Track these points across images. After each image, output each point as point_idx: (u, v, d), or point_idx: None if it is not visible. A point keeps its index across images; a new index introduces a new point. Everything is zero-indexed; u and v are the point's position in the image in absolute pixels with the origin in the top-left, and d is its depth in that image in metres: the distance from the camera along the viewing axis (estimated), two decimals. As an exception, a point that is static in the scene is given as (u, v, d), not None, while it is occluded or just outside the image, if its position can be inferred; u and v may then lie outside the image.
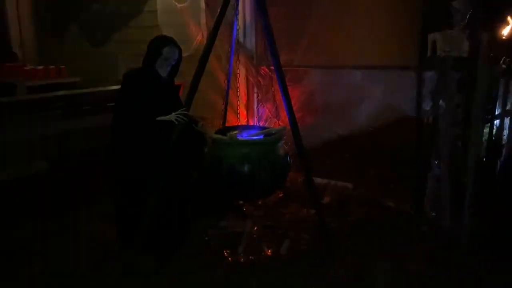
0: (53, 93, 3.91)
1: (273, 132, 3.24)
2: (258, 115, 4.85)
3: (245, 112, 4.88)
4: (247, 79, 4.74)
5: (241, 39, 4.81)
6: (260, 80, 4.66)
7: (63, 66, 5.72)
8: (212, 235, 3.58)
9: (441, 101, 3.46)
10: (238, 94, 4.23)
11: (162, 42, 2.99)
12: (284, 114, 4.59)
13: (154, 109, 3.02)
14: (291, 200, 4.30)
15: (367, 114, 4.03)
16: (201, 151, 3.22)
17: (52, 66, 5.85)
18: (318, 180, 4.32)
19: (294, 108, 4.49)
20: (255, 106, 4.86)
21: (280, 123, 3.45)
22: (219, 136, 3.28)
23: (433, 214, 3.85)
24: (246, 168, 3.10)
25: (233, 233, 3.60)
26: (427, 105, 3.57)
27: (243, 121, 4.90)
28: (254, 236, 3.57)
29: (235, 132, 3.36)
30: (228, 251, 3.36)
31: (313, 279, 3.10)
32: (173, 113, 2.96)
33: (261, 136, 3.35)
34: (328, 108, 4.16)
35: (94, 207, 4.02)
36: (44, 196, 3.98)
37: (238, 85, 4.84)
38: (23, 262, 3.28)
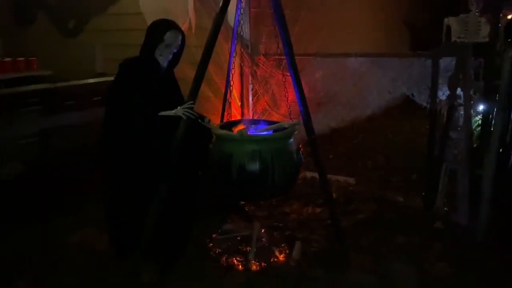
0: (30, 86, 3.44)
1: (286, 126, 2.94)
2: (254, 108, 4.54)
3: (239, 105, 4.57)
4: (241, 69, 4.42)
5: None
6: (256, 70, 4.35)
7: (34, 58, 5.21)
8: (216, 240, 3.27)
9: (459, 90, 3.26)
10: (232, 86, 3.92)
11: (163, 26, 2.64)
12: (284, 107, 4.35)
13: (155, 103, 2.68)
14: (293, 198, 4.05)
15: (368, 104, 3.80)
16: (208, 149, 2.89)
17: (21, 58, 5.32)
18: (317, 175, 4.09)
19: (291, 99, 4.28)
20: (250, 98, 4.54)
21: (291, 118, 3.15)
22: (228, 132, 2.97)
23: (446, 209, 3.69)
24: (258, 166, 2.80)
25: (240, 237, 3.31)
26: (443, 95, 3.37)
27: (237, 114, 4.60)
28: (263, 239, 3.29)
29: (244, 127, 3.05)
30: (237, 258, 3.06)
31: (332, 286, 2.85)
32: (179, 107, 2.63)
33: (271, 132, 3.05)
34: (331, 99, 3.90)
35: (81, 214, 3.63)
36: (21, 203, 3.55)
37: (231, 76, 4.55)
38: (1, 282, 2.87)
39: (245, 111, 4.59)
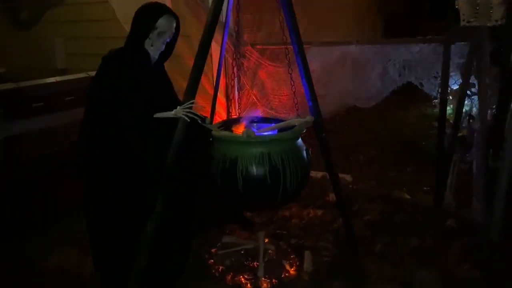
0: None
1: (296, 124, 2.58)
2: (240, 102, 4.15)
3: (223, 100, 4.17)
4: (225, 61, 4.01)
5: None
6: (243, 62, 3.95)
7: (-17, 54, 4.60)
8: (217, 256, 2.89)
9: (472, 78, 3.01)
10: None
11: (156, 11, 2.21)
12: (277, 102, 4.00)
13: (148, 103, 2.27)
14: (290, 200, 3.72)
15: (372, 96, 3.51)
16: (209, 154, 2.49)
17: (-32, 54, 4.68)
18: (312, 173, 3.77)
19: (286, 94, 3.92)
20: (236, 93, 4.15)
21: (299, 115, 2.78)
22: (232, 133, 2.58)
23: (455, 206, 3.47)
24: (268, 171, 2.44)
25: (243, 250, 2.94)
26: (454, 84, 3.12)
27: (221, 110, 4.20)
28: (270, 251, 2.93)
29: (246, 127, 2.68)
30: (245, 276, 2.70)
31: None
32: (178, 107, 2.22)
33: (275, 131, 2.69)
34: (329, 91, 3.57)
35: (56, 231, 3.15)
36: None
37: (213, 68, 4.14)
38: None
39: (232, 106, 4.20)
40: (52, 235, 3.09)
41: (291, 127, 2.64)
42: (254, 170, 2.46)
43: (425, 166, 4.45)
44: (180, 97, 2.42)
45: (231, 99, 4.17)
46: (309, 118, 2.56)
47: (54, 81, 2.94)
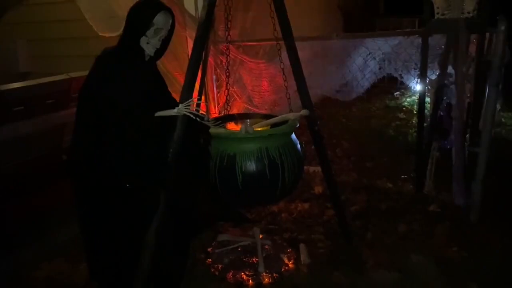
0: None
1: (291, 118, 2.59)
2: (218, 100, 4.12)
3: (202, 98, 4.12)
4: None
5: (190, 11, 4.02)
6: (222, 59, 3.92)
7: None
8: (215, 255, 2.86)
9: (449, 68, 3.15)
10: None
11: (152, 7, 2.14)
12: (257, 98, 4.00)
13: (145, 100, 2.20)
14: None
15: (351, 90, 3.59)
16: (208, 152, 2.46)
17: None
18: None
19: (267, 90, 3.93)
20: (215, 90, 4.12)
21: (291, 110, 2.79)
22: (229, 130, 2.56)
23: (435, 192, 3.62)
24: (267, 166, 2.44)
25: (240, 247, 2.92)
26: (432, 74, 3.25)
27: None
28: (266, 247, 2.94)
29: (246, 122, 2.66)
30: (246, 272, 2.69)
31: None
32: (180, 105, 2.17)
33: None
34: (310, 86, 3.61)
35: (41, 241, 2.99)
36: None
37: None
38: None
39: (210, 104, 4.16)
40: (37, 245, 2.94)
41: (284, 122, 2.66)
42: (253, 165, 2.45)
43: (398, 156, 4.63)
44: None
45: (209, 97, 4.15)
46: (304, 111, 2.59)
47: (35, 83, 2.78)
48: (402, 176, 4.07)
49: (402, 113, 6.62)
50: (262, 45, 3.78)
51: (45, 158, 2.94)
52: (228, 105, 2.61)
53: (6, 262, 2.71)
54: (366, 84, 3.41)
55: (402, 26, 7.75)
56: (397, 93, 7.85)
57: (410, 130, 5.64)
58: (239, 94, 3.97)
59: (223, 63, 3.98)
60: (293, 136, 2.68)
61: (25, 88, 2.70)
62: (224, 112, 3.04)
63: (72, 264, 2.77)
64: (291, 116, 2.60)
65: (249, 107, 3.92)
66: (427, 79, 3.29)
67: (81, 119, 2.24)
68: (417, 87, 7.35)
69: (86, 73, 2.23)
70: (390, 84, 7.32)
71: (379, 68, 3.31)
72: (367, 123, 6.11)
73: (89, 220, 2.36)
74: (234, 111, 4.06)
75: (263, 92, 3.87)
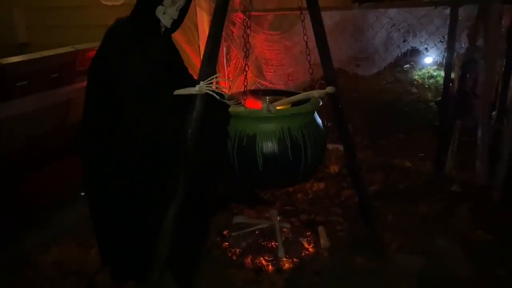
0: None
1: (316, 95, 2.42)
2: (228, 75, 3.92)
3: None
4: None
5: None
6: (233, 30, 3.70)
7: None
8: (232, 238, 2.74)
9: (480, 41, 2.96)
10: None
11: (168, -27, 1.95)
12: (272, 72, 3.80)
13: (160, 76, 2.04)
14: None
15: (373, 63, 3.40)
16: (226, 132, 2.30)
17: None
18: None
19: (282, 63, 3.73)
20: (225, 64, 3.91)
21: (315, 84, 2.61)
22: (249, 109, 2.39)
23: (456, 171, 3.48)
24: (289, 147, 2.30)
25: (257, 230, 2.80)
26: (460, 47, 3.05)
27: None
28: (284, 229, 2.82)
29: (267, 100, 2.49)
30: (265, 257, 2.57)
31: (383, 275, 2.47)
32: (201, 82, 2.00)
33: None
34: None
35: (49, 224, 2.86)
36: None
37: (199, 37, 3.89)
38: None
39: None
40: (46, 227, 2.81)
41: (307, 100, 2.49)
42: (274, 146, 2.31)
43: (414, 132, 4.48)
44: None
45: (219, 71, 3.94)
46: (329, 89, 2.40)
47: (39, 56, 2.58)
48: (420, 154, 3.93)
49: (413, 87, 6.42)
50: (277, 14, 3.55)
51: (50, 135, 2.77)
52: (246, 80, 2.42)
53: (12, 246, 2.58)
54: (389, 58, 3.21)
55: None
56: (407, 65, 7.63)
57: (423, 105, 5.47)
58: (251, 67, 3.77)
59: (234, 35, 3.78)
60: (316, 115, 2.53)
61: (28, 62, 2.51)
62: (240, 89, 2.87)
63: (84, 248, 2.64)
64: (315, 93, 2.43)
65: (261, 82, 3.73)
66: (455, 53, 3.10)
67: (92, 98, 2.08)
68: (426, 60, 7.27)
69: (92, 45, 2.07)
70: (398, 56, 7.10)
71: (404, 41, 3.10)
72: (378, 97, 5.93)
73: (99, 202, 2.24)
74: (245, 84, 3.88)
75: (277, 66, 3.67)
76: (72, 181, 2.68)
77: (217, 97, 2.01)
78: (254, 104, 2.54)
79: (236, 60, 3.81)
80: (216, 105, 2.14)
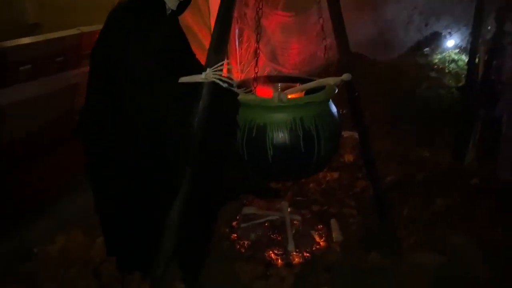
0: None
1: (331, 83, 2.28)
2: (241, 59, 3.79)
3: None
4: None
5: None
6: (246, 11, 3.55)
7: None
8: (241, 230, 2.65)
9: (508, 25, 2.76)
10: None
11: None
12: (285, 56, 3.66)
13: (166, 61, 1.93)
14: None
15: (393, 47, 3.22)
16: (235, 121, 2.18)
17: None
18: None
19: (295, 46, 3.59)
20: (237, 48, 3.78)
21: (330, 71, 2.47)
22: (260, 97, 2.27)
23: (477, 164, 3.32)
24: (301, 138, 2.17)
25: (267, 222, 2.71)
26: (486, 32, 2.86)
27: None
28: (295, 222, 2.72)
29: (279, 87, 2.36)
30: (274, 251, 2.48)
31: (399, 274, 2.36)
32: (208, 69, 1.88)
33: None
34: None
35: (54, 213, 2.82)
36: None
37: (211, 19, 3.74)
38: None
39: (232, 62, 3.83)
40: (51, 215, 2.76)
41: (321, 87, 2.35)
42: (286, 137, 2.18)
43: (434, 121, 4.29)
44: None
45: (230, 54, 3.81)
46: (345, 76, 2.26)
47: (42, 39, 2.48)
48: (439, 145, 3.76)
49: (433, 72, 6.17)
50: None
51: (55, 121, 2.70)
52: (257, 67, 2.29)
53: (17, 235, 2.54)
54: (409, 43, 3.04)
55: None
56: (427, 49, 7.34)
57: (443, 91, 5.25)
58: (263, 51, 3.63)
59: (247, 16, 3.63)
60: (331, 104, 2.39)
61: (31, 45, 2.41)
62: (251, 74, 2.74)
63: (89, 237, 2.59)
64: (330, 80, 2.28)
65: (274, 66, 3.58)
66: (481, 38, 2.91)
67: (93, 83, 1.99)
68: (448, 43, 7.01)
69: (99, 27, 1.95)
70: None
71: (426, 25, 2.92)
72: (397, 83, 5.70)
73: (104, 192, 2.17)
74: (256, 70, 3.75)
75: (290, 49, 3.52)
76: (80, 168, 2.62)
77: (224, 85, 1.89)
78: (265, 92, 2.41)
79: (249, 43, 3.67)
80: (224, 94, 2.02)
